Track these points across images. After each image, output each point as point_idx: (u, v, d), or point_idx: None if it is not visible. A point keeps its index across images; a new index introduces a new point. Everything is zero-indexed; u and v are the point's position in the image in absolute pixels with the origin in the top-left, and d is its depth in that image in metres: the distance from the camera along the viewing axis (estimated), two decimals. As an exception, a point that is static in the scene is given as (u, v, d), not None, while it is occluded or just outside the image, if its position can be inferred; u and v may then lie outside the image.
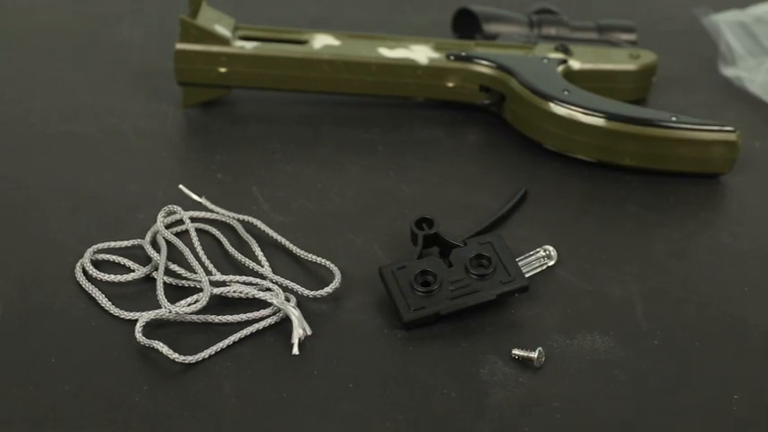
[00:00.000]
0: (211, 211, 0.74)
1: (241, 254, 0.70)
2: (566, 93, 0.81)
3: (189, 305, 0.65)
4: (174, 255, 0.69)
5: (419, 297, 0.65)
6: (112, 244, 0.70)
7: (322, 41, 0.87)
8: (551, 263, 0.70)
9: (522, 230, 0.74)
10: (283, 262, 0.70)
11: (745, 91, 0.94)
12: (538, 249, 0.71)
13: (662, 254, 0.73)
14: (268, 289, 0.67)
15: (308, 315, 0.65)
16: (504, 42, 0.89)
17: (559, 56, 0.87)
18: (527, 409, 0.60)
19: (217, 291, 0.66)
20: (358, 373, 0.62)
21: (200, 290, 0.66)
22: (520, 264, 0.68)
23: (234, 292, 0.66)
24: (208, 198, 0.75)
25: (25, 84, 0.90)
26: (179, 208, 0.72)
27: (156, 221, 0.71)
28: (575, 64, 0.88)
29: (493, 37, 0.91)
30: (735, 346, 0.66)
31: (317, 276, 0.69)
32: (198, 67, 0.85)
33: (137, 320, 0.64)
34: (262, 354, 0.63)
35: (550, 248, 0.71)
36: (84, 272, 0.68)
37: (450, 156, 0.83)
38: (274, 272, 0.69)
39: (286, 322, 0.65)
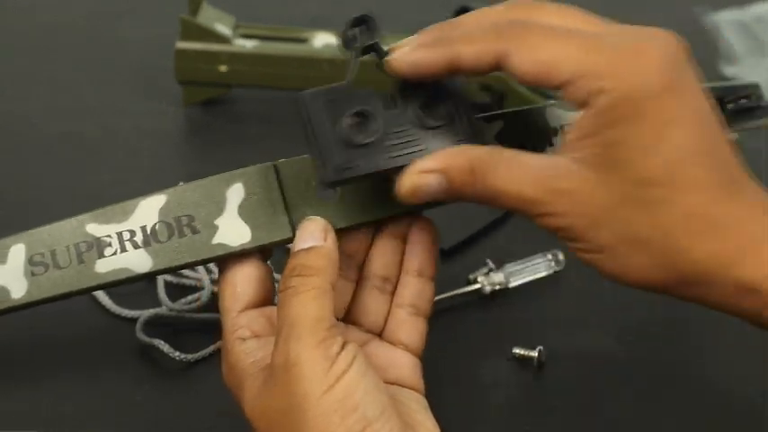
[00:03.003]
0: (212, 210, 0.74)
1: (241, 253, 0.70)
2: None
3: (190, 303, 0.65)
4: (175, 254, 0.69)
5: (350, 148, 0.49)
6: (113, 243, 0.70)
7: (322, 40, 0.87)
8: (559, 268, 0.70)
9: (525, 227, 0.74)
10: (283, 260, 0.70)
11: (746, 90, 0.94)
12: (546, 253, 0.70)
13: (662, 253, 0.73)
14: (268, 288, 0.67)
15: (308, 314, 0.65)
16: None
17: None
18: (527, 409, 0.60)
19: (217, 289, 0.66)
20: (358, 373, 0.62)
21: (201, 288, 0.66)
22: (525, 266, 0.68)
23: (234, 291, 0.66)
24: (208, 197, 0.75)
25: (25, 83, 0.90)
26: (179, 207, 0.72)
27: (156, 220, 0.71)
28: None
29: (493, 36, 0.91)
30: (736, 345, 0.66)
31: (317, 275, 0.69)
32: (198, 65, 0.85)
33: (137, 318, 0.64)
34: (262, 353, 0.63)
35: (559, 253, 0.70)
36: (85, 271, 0.68)
37: (451, 155, 0.83)
38: (275, 270, 0.69)
39: (286, 321, 0.65)
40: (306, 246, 0.50)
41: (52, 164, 0.79)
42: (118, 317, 0.65)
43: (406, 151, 0.49)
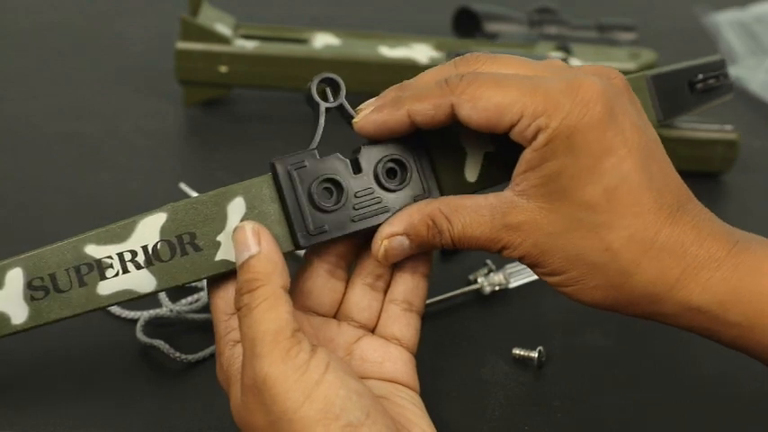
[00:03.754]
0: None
1: (242, 253, 0.70)
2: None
3: (190, 304, 0.65)
4: (175, 254, 0.69)
5: (319, 214, 0.52)
6: (113, 243, 0.70)
7: (323, 40, 0.87)
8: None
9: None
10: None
11: (745, 91, 0.94)
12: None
13: (662, 253, 0.73)
14: (269, 288, 0.67)
15: (308, 314, 0.65)
16: (504, 41, 0.89)
17: (560, 54, 0.88)
18: (527, 408, 0.60)
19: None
20: (358, 373, 0.62)
21: (201, 288, 0.66)
22: (525, 267, 0.68)
23: (234, 291, 0.66)
24: (208, 197, 0.75)
25: (26, 83, 0.90)
26: (180, 207, 0.72)
27: (156, 221, 0.71)
28: (575, 62, 0.88)
29: (493, 36, 0.91)
30: (735, 345, 0.66)
31: (317, 276, 0.69)
32: (199, 66, 0.85)
33: (138, 319, 0.64)
34: (262, 353, 0.63)
35: None
36: (85, 271, 0.68)
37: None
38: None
39: (286, 321, 0.65)
40: (243, 258, 0.49)
41: (52, 164, 0.79)
42: (118, 317, 0.64)
43: (370, 213, 0.53)
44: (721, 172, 0.82)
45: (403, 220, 0.52)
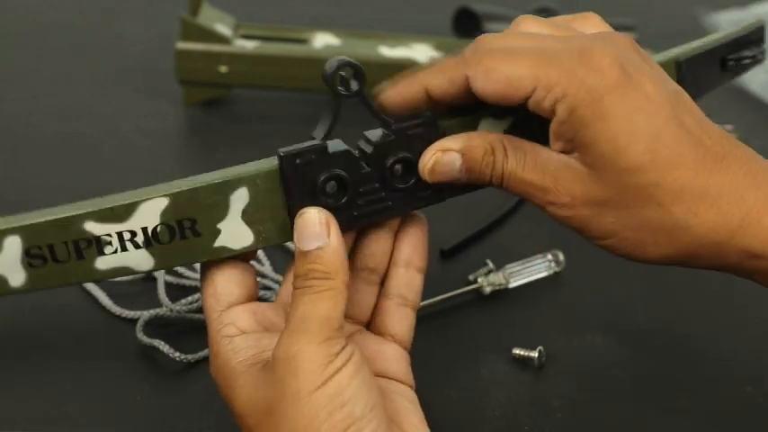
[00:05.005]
0: (212, 210, 0.74)
1: (242, 253, 0.70)
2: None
3: (190, 304, 0.65)
4: (175, 254, 0.69)
5: (322, 196, 0.51)
6: (113, 243, 0.70)
7: (323, 40, 0.87)
8: (559, 269, 0.70)
9: (525, 227, 0.74)
10: (283, 260, 0.70)
11: (745, 91, 0.94)
12: (546, 253, 0.70)
13: (662, 253, 0.73)
14: (268, 287, 0.67)
15: (308, 314, 0.65)
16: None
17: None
18: (527, 409, 0.60)
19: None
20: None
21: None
22: (525, 267, 0.68)
23: (234, 291, 0.66)
24: (208, 197, 0.75)
25: (26, 83, 0.90)
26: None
27: (156, 221, 0.71)
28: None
29: (493, 36, 0.91)
30: (737, 344, 0.66)
31: (317, 276, 0.69)
32: (199, 66, 0.85)
33: (138, 319, 0.64)
34: (262, 353, 0.63)
35: (559, 253, 0.69)
36: (85, 271, 0.68)
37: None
38: (274, 270, 0.69)
39: (286, 321, 0.65)
40: (310, 246, 0.49)
41: (52, 164, 0.79)
42: (118, 317, 0.64)
43: (373, 210, 0.52)
44: (721, 172, 0.81)
45: (463, 138, 0.51)
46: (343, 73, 0.51)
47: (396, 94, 0.52)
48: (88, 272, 0.51)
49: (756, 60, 0.61)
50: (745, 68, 0.62)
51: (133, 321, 0.64)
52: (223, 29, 0.85)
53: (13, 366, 0.61)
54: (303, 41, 0.87)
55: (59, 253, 0.51)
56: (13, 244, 0.51)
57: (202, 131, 0.85)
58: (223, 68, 0.85)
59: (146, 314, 0.64)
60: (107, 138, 0.83)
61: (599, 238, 0.51)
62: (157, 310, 0.64)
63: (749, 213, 0.48)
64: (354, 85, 0.51)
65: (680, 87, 0.51)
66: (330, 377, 0.46)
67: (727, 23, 1.02)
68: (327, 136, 0.51)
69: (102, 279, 0.52)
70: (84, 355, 0.62)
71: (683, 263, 0.50)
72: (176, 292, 0.66)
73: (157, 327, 0.64)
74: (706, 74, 0.60)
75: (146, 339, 0.62)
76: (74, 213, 0.51)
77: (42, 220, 0.51)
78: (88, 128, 0.84)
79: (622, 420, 0.60)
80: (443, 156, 0.51)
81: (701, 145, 0.49)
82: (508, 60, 0.49)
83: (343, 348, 0.48)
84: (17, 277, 0.52)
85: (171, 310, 0.64)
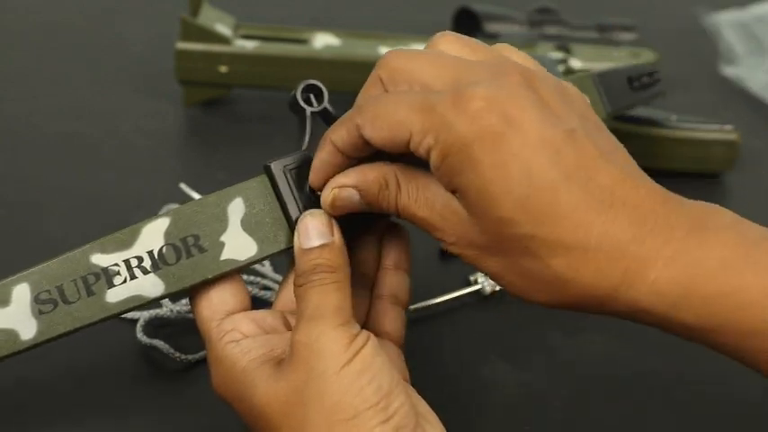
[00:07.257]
0: (212, 210, 0.74)
1: (242, 253, 0.70)
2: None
3: (190, 303, 0.64)
4: (175, 254, 0.69)
5: (313, 201, 0.54)
6: (113, 243, 0.70)
7: (323, 40, 0.87)
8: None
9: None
10: (283, 260, 0.70)
11: (746, 91, 0.94)
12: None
13: (662, 253, 0.73)
14: (268, 288, 0.67)
15: (308, 314, 0.65)
16: (504, 41, 0.89)
17: (560, 55, 0.88)
18: (527, 408, 0.60)
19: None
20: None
21: (201, 289, 0.66)
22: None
23: (234, 291, 0.66)
24: (208, 197, 0.75)
25: (26, 83, 0.90)
26: (180, 207, 0.72)
27: (156, 221, 0.71)
28: (575, 63, 0.88)
29: (493, 36, 0.91)
30: (735, 345, 0.66)
31: (317, 276, 0.69)
32: (199, 66, 0.85)
33: (138, 319, 0.64)
34: (262, 353, 0.63)
35: None
36: (85, 271, 0.68)
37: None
38: (274, 270, 0.69)
39: (286, 321, 0.65)
40: (315, 243, 0.51)
41: (52, 164, 0.79)
42: (118, 317, 0.64)
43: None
44: (721, 172, 0.82)
45: (358, 173, 0.50)
46: (309, 93, 0.56)
47: (317, 164, 0.51)
48: (100, 308, 0.52)
49: (654, 80, 0.73)
50: (647, 89, 0.72)
51: (133, 321, 0.64)
52: (223, 29, 0.85)
53: (12, 366, 0.61)
54: (303, 41, 0.87)
55: (69, 293, 0.51)
56: (22, 293, 0.51)
57: (202, 131, 0.85)
58: (223, 68, 0.85)
59: (146, 314, 0.64)
60: (107, 138, 0.83)
61: (490, 276, 0.49)
62: (157, 311, 0.64)
63: (629, 268, 0.44)
64: (316, 102, 0.56)
65: (579, 125, 0.47)
66: (355, 354, 0.47)
67: (727, 23, 1.02)
68: (309, 146, 0.55)
69: (116, 314, 0.52)
70: (83, 355, 0.62)
71: (575, 309, 0.47)
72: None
73: (157, 327, 0.64)
74: (617, 87, 0.69)
75: (146, 339, 0.62)
76: (79, 249, 0.52)
77: (48, 262, 0.52)
78: (88, 128, 0.84)
79: (622, 420, 0.60)
80: (341, 192, 0.51)
81: (586, 192, 0.45)
82: (392, 107, 0.47)
83: (360, 331, 0.49)
84: (29, 329, 0.51)
85: (171, 310, 0.64)
